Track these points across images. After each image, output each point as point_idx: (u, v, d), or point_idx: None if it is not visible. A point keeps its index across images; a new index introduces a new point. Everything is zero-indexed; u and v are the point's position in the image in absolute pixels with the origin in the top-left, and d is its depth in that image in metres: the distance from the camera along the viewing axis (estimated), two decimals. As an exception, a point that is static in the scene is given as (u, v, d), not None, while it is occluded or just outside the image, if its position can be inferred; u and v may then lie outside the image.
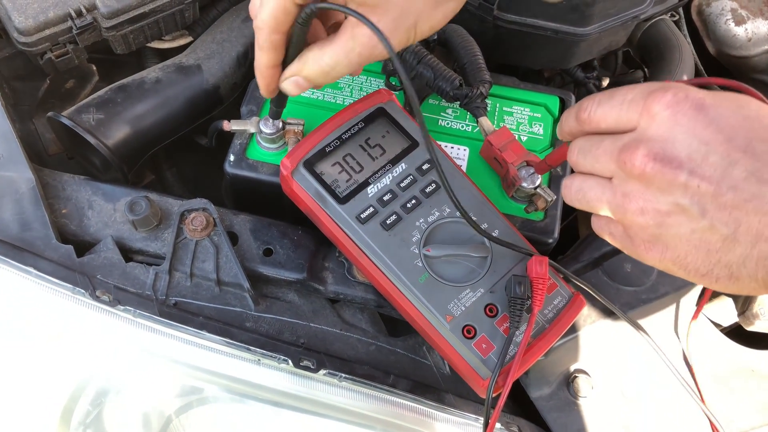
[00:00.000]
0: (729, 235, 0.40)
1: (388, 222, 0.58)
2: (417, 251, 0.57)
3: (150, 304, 0.60)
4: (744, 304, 0.73)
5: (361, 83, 0.75)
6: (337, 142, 0.60)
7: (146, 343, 0.59)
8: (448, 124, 0.73)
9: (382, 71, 0.74)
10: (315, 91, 0.73)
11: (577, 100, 0.81)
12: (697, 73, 0.94)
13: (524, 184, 0.63)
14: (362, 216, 0.58)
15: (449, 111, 0.73)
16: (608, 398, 0.64)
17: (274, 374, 0.59)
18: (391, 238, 0.57)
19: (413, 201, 0.59)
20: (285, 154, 0.60)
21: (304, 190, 0.59)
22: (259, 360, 0.59)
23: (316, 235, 0.66)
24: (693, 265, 0.42)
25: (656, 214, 0.42)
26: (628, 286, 0.66)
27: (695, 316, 0.67)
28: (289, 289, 0.66)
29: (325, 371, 0.58)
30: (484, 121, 0.68)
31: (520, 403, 0.66)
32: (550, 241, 0.66)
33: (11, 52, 0.78)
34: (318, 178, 0.59)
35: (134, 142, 0.73)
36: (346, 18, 0.50)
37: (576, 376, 0.64)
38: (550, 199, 0.64)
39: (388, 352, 0.63)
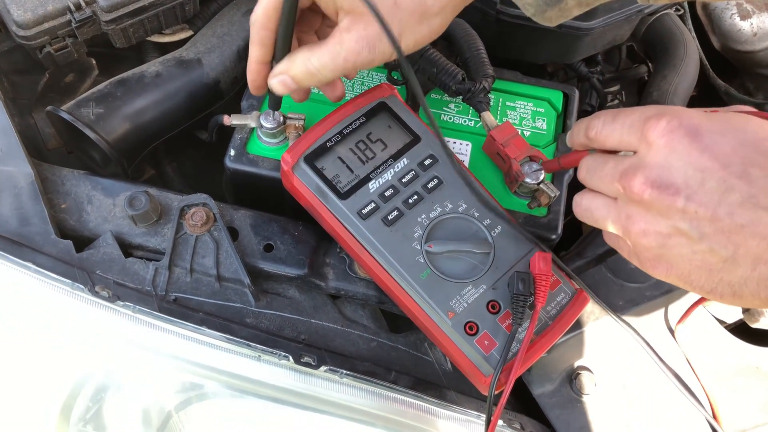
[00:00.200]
0: (729, 257, 0.40)
1: (389, 217, 0.57)
2: (419, 247, 0.57)
3: (150, 299, 0.60)
4: (748, 301, 0.72)
5: (363, 77, 0.74)
6: (338, 137, 0.60)
7: (146, 338, 0.58)
8: (450, 118, 0.72)
9: (383, 65, 0.74)
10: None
11: (580, 95, 0.80)
12: (702, 68, 0.94)
13: (527, 180, 0.63)
14: (363, 211, 0.57)
15: (452, 106, 0.73)
16: (611, 395, 0.64)
17: (275, 370, 0.59)
18: (392, 233, 0.57)
19: (415, 196, 0.58)
20: (286, 149, 0.60)
21: (304, 185, 0.58)
22: (259, 356, 0.58)
23: (317, 231, 0.66)
24: (697, 283, 0.43)
25: (657, 236, 0.43)
26: (632, 283, 0.67)
27: (689, 312, 0.66)
28: (289, 285, 0.66)
29: (326, 368, 0.58)
30: (487, 116, 0.68)
31: (522, 400, 0.65)
32: (554, 237, 0.65)
33: (10, 45, 0.78)
34: (319, 173, 0.58)
35: (134, 136, 0.73)
36: (338, 23, 0.51)
37: (579, 374, 0.64)
38: (553, 195, 0.63)
39: (390, 348, 0.63)
